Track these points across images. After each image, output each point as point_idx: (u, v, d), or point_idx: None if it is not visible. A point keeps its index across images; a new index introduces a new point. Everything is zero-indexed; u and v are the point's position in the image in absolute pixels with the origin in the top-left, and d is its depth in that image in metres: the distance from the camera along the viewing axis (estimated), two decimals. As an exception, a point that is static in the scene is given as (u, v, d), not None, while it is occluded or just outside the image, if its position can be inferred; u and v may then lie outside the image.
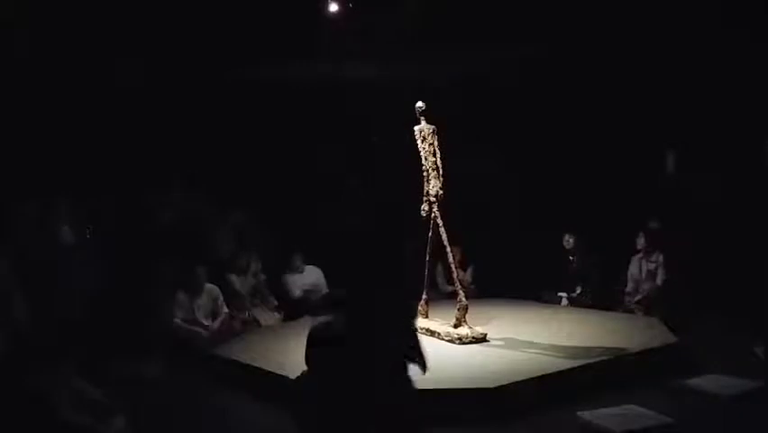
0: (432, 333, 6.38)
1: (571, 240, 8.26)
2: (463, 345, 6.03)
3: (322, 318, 3.59)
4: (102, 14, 7.24)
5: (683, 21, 7.64)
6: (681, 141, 8.55)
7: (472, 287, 8.46)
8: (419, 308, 6.84)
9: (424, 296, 6.86)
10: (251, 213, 8.71)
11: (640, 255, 7.83)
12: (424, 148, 6.56)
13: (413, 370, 3.48)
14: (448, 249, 6.47)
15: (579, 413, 4.74)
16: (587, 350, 5.61)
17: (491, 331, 6.30)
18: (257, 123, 8.88)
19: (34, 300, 6.19)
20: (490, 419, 4.65)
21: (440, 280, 8.34)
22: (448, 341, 6.17)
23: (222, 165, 8.65)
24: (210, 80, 8.48)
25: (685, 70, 8.05)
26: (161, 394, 5.59)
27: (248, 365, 5.91)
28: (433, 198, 6.51)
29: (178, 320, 7.03)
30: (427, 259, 6.77)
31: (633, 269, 7.87)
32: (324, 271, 8.23)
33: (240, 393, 5.70)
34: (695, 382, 5.32)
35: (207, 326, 7.14)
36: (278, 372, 5.50)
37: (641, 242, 7.79)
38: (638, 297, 7.75)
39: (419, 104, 6.60)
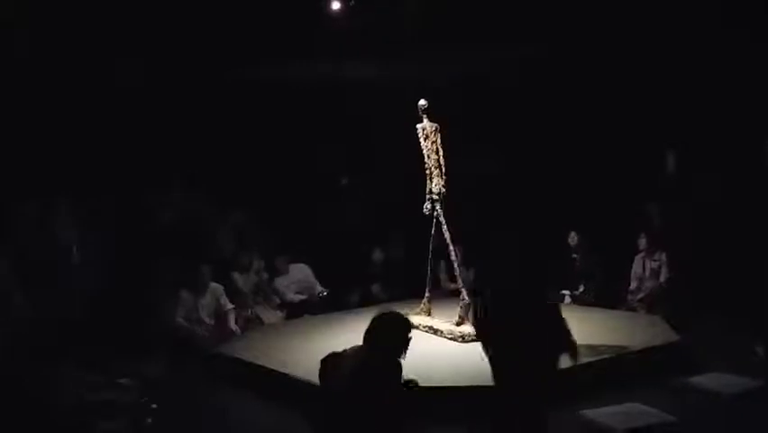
0: (434, 331, 6.39)
1: (575, 238, 8.25)
2: (466, 343, 6.03)
3: None
4: (102, 14, 7.23)
5: (683, 20, 7.63)
6: (681, 141, 8.54)
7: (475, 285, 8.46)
8: (421, 305, 6.86)
9: (426, 294, 6.88)
10: (251, 212, 8.73)
11: (643, 254, 7.83)
12: (426, 146, 6.56)
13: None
14: (451, 247, 6.48)
15: (581, 411, 4.74)
16: (589, 348, 5.59)
17: (494, 329, 6.29)
18: (257, 122, 8.88)
19: (34, 300, 6.20)
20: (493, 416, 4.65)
21: (442, 277, 8.34)
22: (451, 339, 6.18)
23: (222, 165, 8.65)
24: (210, 80, 8.47)
25: (685, 70, 8.04)
26: (163, 393, 5.59)
27: (250, 363, 5.92)
28: (435, 196, 6.52)
29: (180, 319, 7.04)
30: (430, 257, 6.78)
31: (636, 267, 7.87)
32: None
33: (242, 392, 5.71)
34: (697, 380, 5.33)
35: (210, 324, 7.16)
36: (281, 369, 5.51)
37: (642, 242, 7.79)
38: (641, 295, 7.74)
39: (422, 102, 6.60)
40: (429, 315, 6.77)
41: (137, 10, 7.32)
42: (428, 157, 6.56)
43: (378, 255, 8.93)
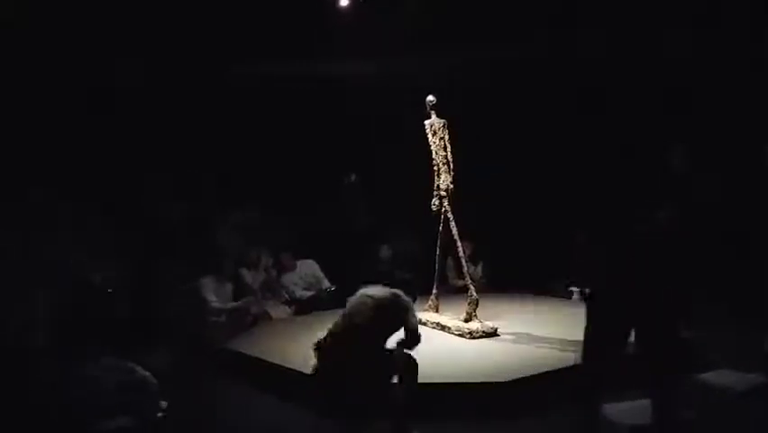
0: (442, 327, 6.39)
1: (583, 237, 8.22)
2: (474, 340, 6.04)
3: None
4: (110, 14, 7.24)
5: (683, 20, 7.58)
6: (681, 140, 8.48)
7: (483, 281, 8.47)
8: (429, 302, 6.86)
9: (434, 290, 6.88)
10: (258, 209, 8.76)
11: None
12: (434, 142, 6.56)
13: None
14: (458, 243, 6.48)
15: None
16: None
17: (502, 326, 6.30)
18: (262, 120, 8.88)
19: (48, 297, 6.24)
20: (502, 413, 4.66)
21: (450, 274, 8.34)
22: (459, 335, 6.18)
23: (227, 162, 8.66)
24: (213, 79, 8.47)
25: (686, 70, 7.98)
26: (171, 389, 5.62)
27: (258, 359, 5.94)
28: (443, 193, 6.52)
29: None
30: (437, 253, 6.79)
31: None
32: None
33: (249, 387, 5.74)
34: (705, 377, 5.31)
35: (227, 309, 7.28)
36: (288, 365, 5.53)
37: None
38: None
39: (430, 98, 6.59)
40: (437, 311, 6.78)
41: (142, 8, 7.33)
42: (436, 153, 6.56)
43: (385, 252, 8.93)
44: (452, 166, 6.57)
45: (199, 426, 5.14)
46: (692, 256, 4.45)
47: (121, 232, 7.46)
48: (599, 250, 4.22)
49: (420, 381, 4.93)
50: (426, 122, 6.59)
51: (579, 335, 5.53)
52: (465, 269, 6.55)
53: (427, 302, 6.85)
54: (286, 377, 5.44)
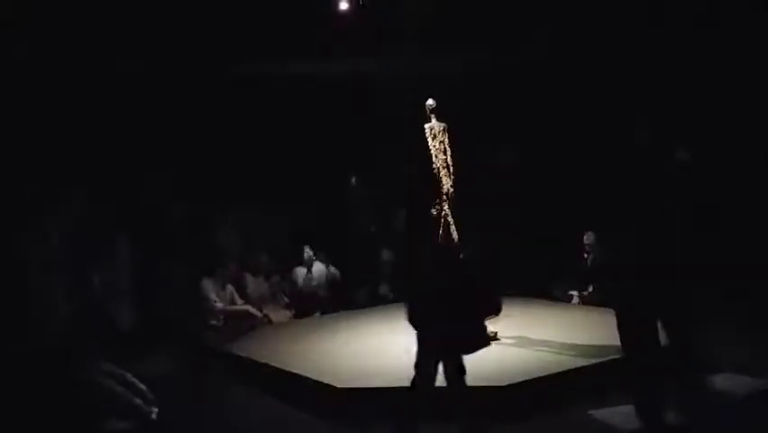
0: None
1: (591, 237, 8.17)
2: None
3: None
4: (119, 13, 7.25)
5: (684, 20, 7.58)
6: (682, 140, 8.46)
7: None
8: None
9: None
10: (258, 210, 8.78)
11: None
12: (434, 146, 6.54)
13: None
14: (459, 247, 6.46)
15: (590, 412, 4.73)
16: (598, 348, 5.58)
17: (502, 329, 6.28)
18: (264, 121, 8.89)
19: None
20: (501, 417, 4.65)
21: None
22: (458, 339, 6.16)
23: (228, 164, 8.68)
24: (213, 79, 8.48)
25: (687, 69, 7.98)
26: (171, 391, 5.62)
27: (258, 362, 5.94)
28: (443, 196, 6.50)
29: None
30: (438, 257, 6.77)
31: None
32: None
33: (250, 390, 5.73)
34: (708, 380, 5.28)
35: (228, 311, 7.30)
36: (289, 368, 5.52)
37: None
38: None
39: (430, 101, 6.58)
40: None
41: (143, 9, 7.34)
42: (436, 157, 6.54)
43: (386, 255, 8.93)
44: (452, 170, 6.56)
45: (199, 429, 5.13)
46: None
47: (120, 231, 7.47)
48: (618, 248, 4.29)
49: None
50: (426, 125, 6.58)
51: (578, 338, 5.53)
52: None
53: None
54: (287, 380, 5.44)
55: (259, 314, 7.63)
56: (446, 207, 6.49)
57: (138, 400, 4.67)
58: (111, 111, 7.84)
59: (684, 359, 4.22)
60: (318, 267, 8.43)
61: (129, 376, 4.72)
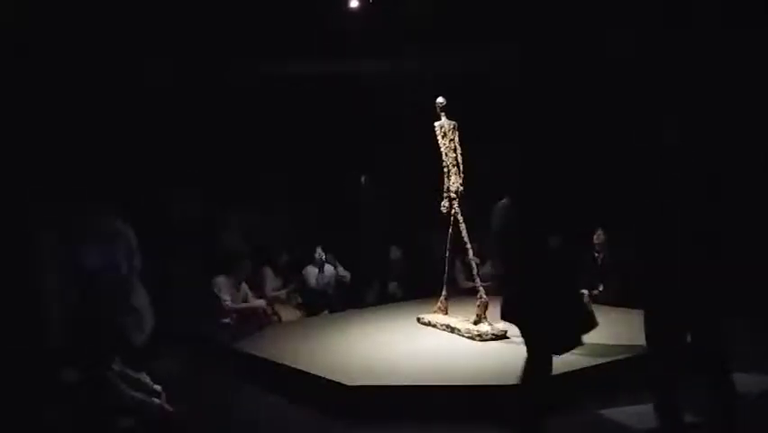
0: (452, 329, 6.38)
1: (601, 236, 8.15)
2: (483, 342, 6.02)
3: None
4: (131, 14, 7.27)
5: (683, 20, 7.53)
6: (682, 140, 8.39)
7: (492, 283, 8.42)
8: (438, 304, 6.85)
9: (443, 292, 6.87)
10: (258, 211, 8.81)
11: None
12: (444, 144, 6.55)
13: None
14: (468, 245, 6.46)
15: (600, 411, 4.71)
16: (608, 348, 5.56)
17: (511, 328, 6.27)
18: (273, 121, 8.90)
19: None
20: (511, 416, 4.63)
21: (460, 276, 8.32)
22: (468, 338, 6.16)
23: (237, 165, 8.69)
24: (214, 79, 8.49)
25: (687, 69, 7.92)
26: (182, 390, 5.64)
27: (267, 360, 5.95)
28: (453, 195, 6.50)
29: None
30: (447, 255, 6.77)
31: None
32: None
33: (261, 389, 5.74)
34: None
35: (240, 309, 7.32)
36: (299, 367, 5.53)
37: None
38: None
39: (440, 99, 6.58)
40: (446, 313, 6.77)
41: (154, 8, 7.36)
42: (446, 155, 6.55)
43: (395, 253, 8.93)
44: (461, 168, 6.56)
45: (209, 427, 5.15)
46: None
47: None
48: (649, 247, 4.31)
49: (430, 383, 4.94)
50: (436, 123, 6.58)
51: (589, 337, 5.49)
52: (475, 271, 6.53)
53: (436, 304, 6.84)
54: (296, 379, 5.45)
55: (270, 310, 7.65)
56: (456, 205, 6.50)
57: (149, 398, 4.70)
58: (112, 112, 7.85)
59: (713, 359, 4.23)
60: (328, 267, 8.45)
61: (143, 376, 4.74)
